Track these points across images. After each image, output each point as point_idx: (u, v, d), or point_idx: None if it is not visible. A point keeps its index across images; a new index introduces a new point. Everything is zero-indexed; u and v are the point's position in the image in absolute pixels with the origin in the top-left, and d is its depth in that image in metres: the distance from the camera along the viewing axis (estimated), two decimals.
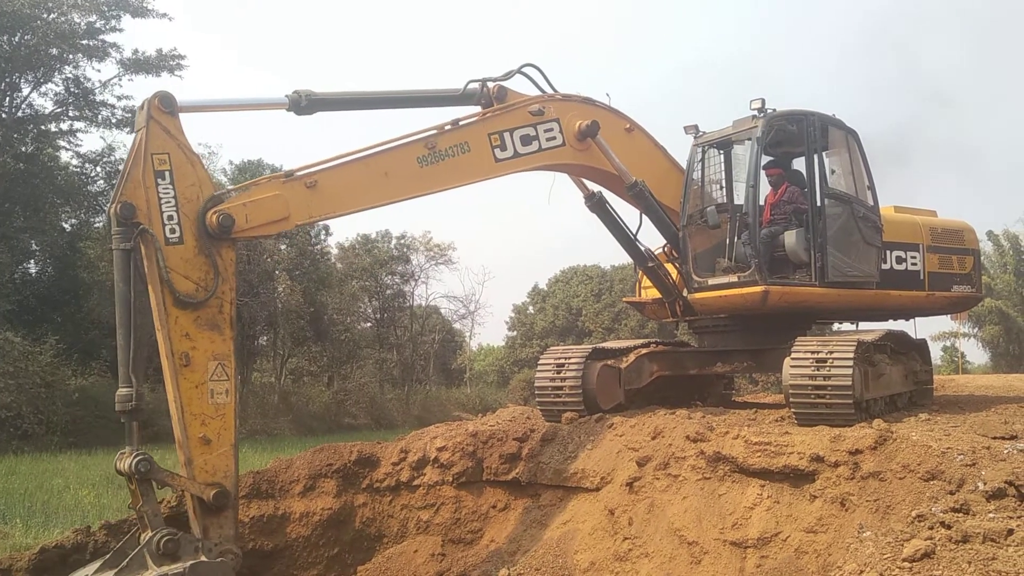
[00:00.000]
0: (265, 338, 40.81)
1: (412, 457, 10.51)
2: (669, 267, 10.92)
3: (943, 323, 46.45)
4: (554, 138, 9.54)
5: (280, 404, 35.50)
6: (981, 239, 47.26)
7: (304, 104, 8.26)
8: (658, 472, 8.66)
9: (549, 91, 9.73)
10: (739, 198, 10.76)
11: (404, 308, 49.90)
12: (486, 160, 9.00)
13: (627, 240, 10.84)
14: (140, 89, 43.67)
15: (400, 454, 10.63)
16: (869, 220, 10.43)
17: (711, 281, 10.39)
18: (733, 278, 10.10)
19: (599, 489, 9.14)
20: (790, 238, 10.14)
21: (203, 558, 6.97)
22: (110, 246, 7.29)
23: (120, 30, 34.37)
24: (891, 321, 11.91)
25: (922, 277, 11.15)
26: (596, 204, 10.62)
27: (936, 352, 47.82)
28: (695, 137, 10.87)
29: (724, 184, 11.13)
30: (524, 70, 9.64)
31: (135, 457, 7.02)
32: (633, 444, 9.24)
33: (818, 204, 10.19)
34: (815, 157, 10.29)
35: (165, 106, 7.19)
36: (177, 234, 7.19)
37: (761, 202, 10.55)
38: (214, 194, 7.44)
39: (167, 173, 7.14)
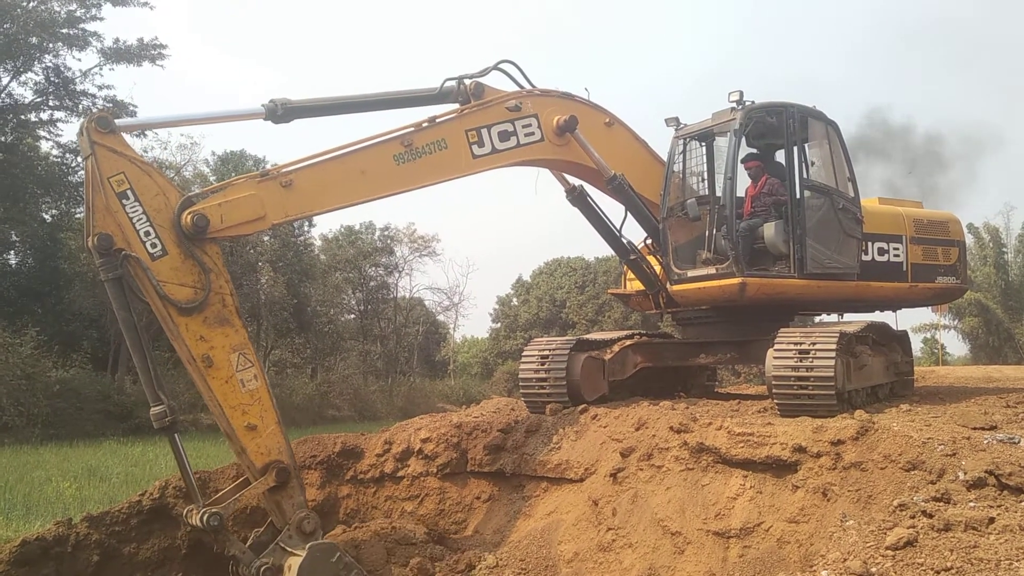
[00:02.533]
0: (248, 330, 40.48)
1: (396, 448, 10.50)
2: (652, 260, 10.95)
3: (924, 315, 46.81)
4: (532, 133, 9.54)
5: None
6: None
7: (280, 113, 8.26)
8: (642, 463, 8.69)
9: (527, 87, 9.71)
10: (719, 190, 10.79)
11: (388, 300, 49.80)
12: (463, 157, 8.99)
13: (609, 233, 10.86)
14: (122, 78, 43.30)
15: (384, 445, 10.62)
16: (849, 212, 10.45)
17: (690, 273, 10.41)
18: (711, 270, 10.12)
19: (583, 480, 9.17)
20: (769, 230, 10.17)
21: (298, 552, 7.48)
22: (100, 279, 7.42)
23: (101, 19, 34.07)
24: (875, 313, 11.97)
25: (905, 268, 11.16)
26: (577, 198, 10.64)
27: (917, 344, 48.21)
28: (676, 129, 10.88)
29: (705, 176, 11.14)
30: (501, 66, 9.59)
31: (204, 515, 7.29)
32: (617, 435, 9.27)
33: (798, 196, 10.21)
34: (794, 149, 10.32)
35: (103, 127, 7.15)
36: (159, 247, 7.26)
37: (742, 194, 10.59)
38: (187, 196, 7.46)
39: (129, 192, 7.15)
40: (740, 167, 10.49)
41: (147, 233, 7.17)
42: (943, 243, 11.64)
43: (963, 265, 11.98)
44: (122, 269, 7.14)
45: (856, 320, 10.46)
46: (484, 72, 9.43)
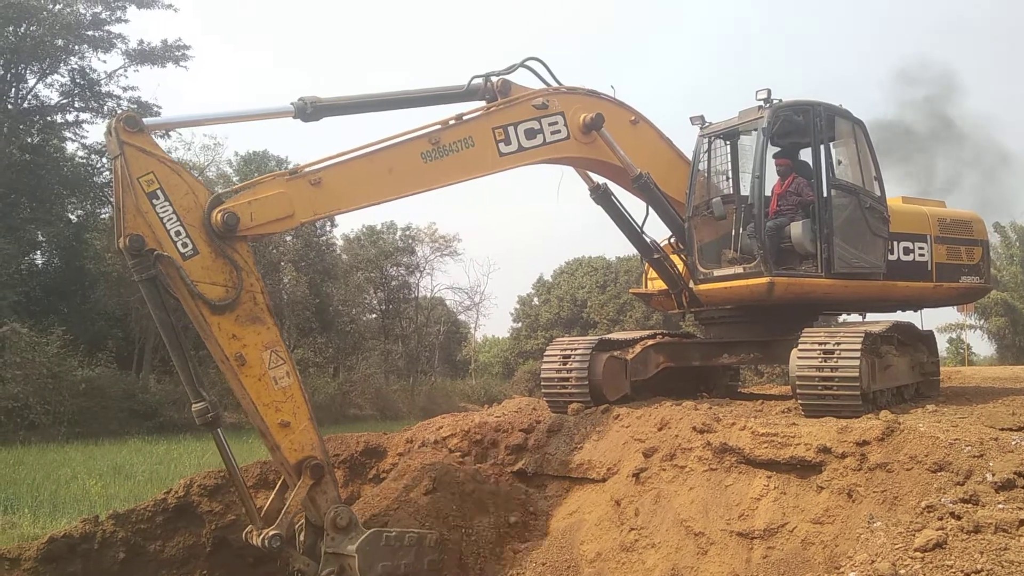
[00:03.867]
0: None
1: (418, 448, 10.52)
2: (675, 259, 10.90)
3: (949, 315, 46.36)
4: (559, 131, 9.50)
5: None
6: (988, 231, 47.35)
7: (310, 111, 8.24)
8: (664, 463, 8.66)
9: (554, 84, 9.69)
10: (745, 189, 10.73)
11: (409, 299, 49.97)
12: (490, 154, 8.97)
13: (632, 232, 10.82)
14: (146, 80, 43.77)
15: (407, 444, 10.65)
16: (876, 211, 10.37)
17: (716, 272, 10.36)
18: (738, 269, 10.06)
19: (605, 480, 9.14)
20: (796, 229, 10.10)
21: (350, 552, 7.56)
22: (132, 278, 7.44)
23: (126, 21, 34.39)
24: (898, 312, 11.86)
25: (929, 268, 11.05)
26: (601, 196, 10.61)
27: (942, 344, 47.71)
28: (701, 128, 10.82)
29: (730, 175, 11.08)
30: (528, 63, 9.57)
31: (265, 539, 7.42)
32: (639, 435, 9.24)
33: (824, 195, 10.13)
34: (821, 148, 10.24)
35: (132, 127, 7.11)
36: (190, 246, 7.23)
37: (768, 193, 10.52)
38: (217, 193, 7.46)
39: (159, 192, 7.11)
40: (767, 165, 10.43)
41: (178, 233, 7.15)
42: (967, 243, 11.53)
43: (986, 265, 11.86)
44: (155, 269, 7.13)
45: (881, 320, 10.37)
46: (511, 69, 9.42)
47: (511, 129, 9.10)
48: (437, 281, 67.63)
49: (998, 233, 47.09)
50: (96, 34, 33.83)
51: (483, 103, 9.23)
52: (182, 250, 7.18)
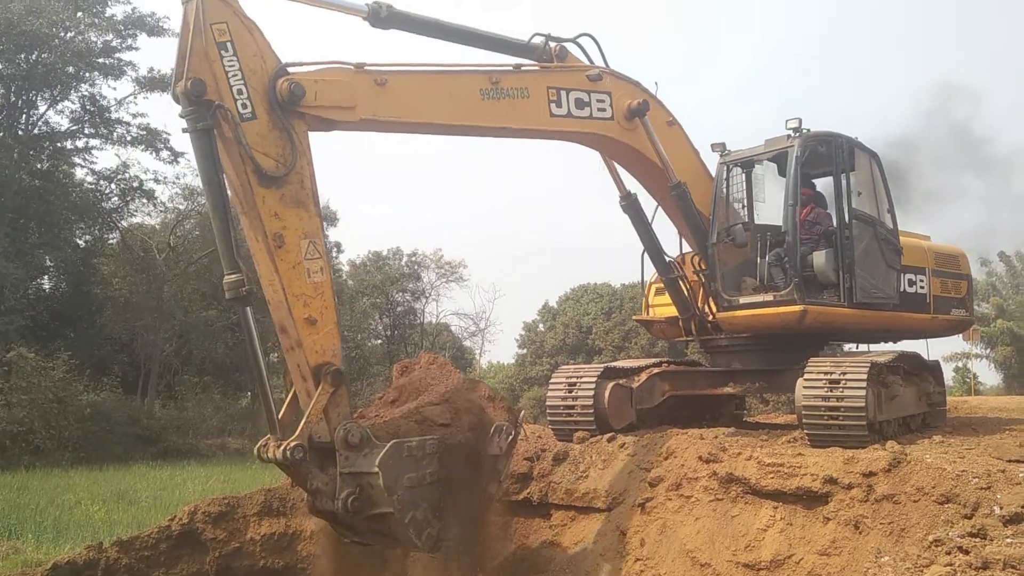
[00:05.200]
0: (276, 355, 40.82)
1: None
2: (690, 281, 10.87)
3: (955, 344, 46.21)
4: (604, 110, 9.43)
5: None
6: (992, 260, 47.27)
7: (384, 15, 7.92)
8: (670, 493, 8.63)
9: (602, 66, 9.61)
10: (761, 217, 10.89)
11: (415, 325, 49.98)
12: (542, 111, 8.86)
13: (654, 247, 10.84)
14: (156, 107, 44.04)
15: None
16: (890, 243, 10.56)
17: (743, 300, 10.34)
18: (768, 296, 10.07)
19: (611, 509, 9.11)
20: (819, 259, 10.15)
21: (370, 469, 6.87)
22: (184, 129, 6.81)
23: (136, 48, 34.74)
24: (897, 342, 11.98)
25: (928, 300, 11.27)
26: (631, 205, 10.66)
27: (948, 373, 47.49)
28: (721, 155, 10.88)
29: (744, 203, 11.17)
30: (580, 40, 9.51)
31: (287, 449, 6.71)
32: (645, 464, 9.22)
33: (847, 225, 10.22)
34: (843, 178, 10.35)
35: None
36: (249, 109, 6.77)
37: (773, 221, 10.59)
38: (284, 63, 7.06)
39: (228, 44, 6.65)
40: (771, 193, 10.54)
41: (239, 92, 6.73)
42: (955, 276, 11.84)
43: (971, 298, 12.20)
44: (212, 121, 6.63)
45: (887, 350, 10.38)
46: (570, 39, 9.38)
47: (563, 93, 9.02)
48: (443, 307, 67.75)
49: (1003, 263, 47.10)
50: (107, 61, 34.16)
51: (536, 63, 9.13)
52: (241, 111, 6.72)
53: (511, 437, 7.66)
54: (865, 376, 8.61)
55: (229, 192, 6.90)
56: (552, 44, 9.24)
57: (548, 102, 8.89)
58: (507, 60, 8.96)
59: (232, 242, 6.76)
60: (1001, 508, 6.40)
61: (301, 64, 7.23)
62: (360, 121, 7.58)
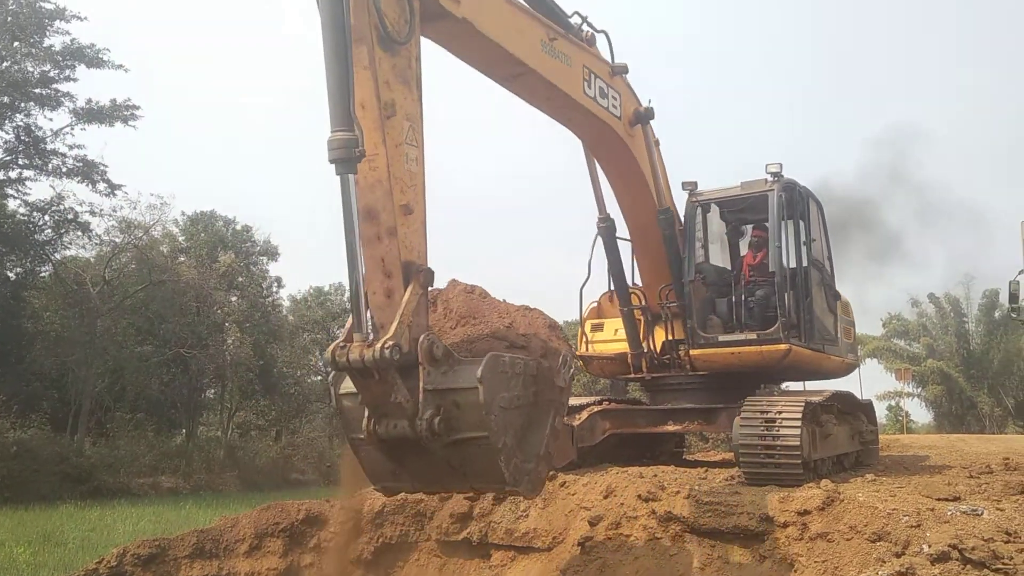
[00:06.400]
0: (212, 391, 40.12)
1: (360, 516, 10.33)
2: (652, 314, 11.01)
3: (888, 383, 47.44)
4: (615, 108, 9.51)
5: (226, 459, 34.76)
6: (923, 301, 48.67)
7: None
8: (610, 532, 8.63)
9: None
10: (714, 258, 11.47)
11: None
12: (578, 85, 8.84)
13: (621, 277, 10.96)
14: (93, 138, 43.22)
15: (349, 513, 10.45)
16: (831, 287, 11.12)
17: (722, 337, 10.49)
18: (752, 335, 10.24)
19: (551, 549, 9.07)
20: (789, 300, 10.43)
21: (460, 385, 6.02)
22: None
23: (74, 80, 34.15)
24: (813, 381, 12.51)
25: (839, 343, 11.81)
26: (607, 229, 10.84)
27: (881, 412, 48.59)
28: (692, 193, 11.07)
29: (704, 242, 11.46)
30: (601, 32, 9.43)
31: (384, 348, 5.75)
32: (585, 503, 9.21)
33: (806, 269, 10.66)
34: (802, 224, 10.75)
35: None
36: None
37: (722, 264, 10.91)
38: None
39: None
40: (718, 237, 10.84)
41: None
42: (848, 323, 12.54)
43: (855, 344, 13.07)
44: None
45: (821, 389, 10.62)
46: (599, 30, 9.35)
47: (593, 76, 9.06)
48: None
49: (933, 304, 48.54)
50: (43, 92, 33.50)
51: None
52: None
53: (572, 370, 7.02)
54: (800, 415, 8.78)
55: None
56: (586, 28, 9.18)
57: (582, 79, 8.91)
58: None
59: (350, 93, 5.90)
60: (929, 546, 6.55)
61: None
62: (460, 20, 7.05)
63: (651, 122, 10.27)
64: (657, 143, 10.44)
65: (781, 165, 10.46)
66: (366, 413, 6.11)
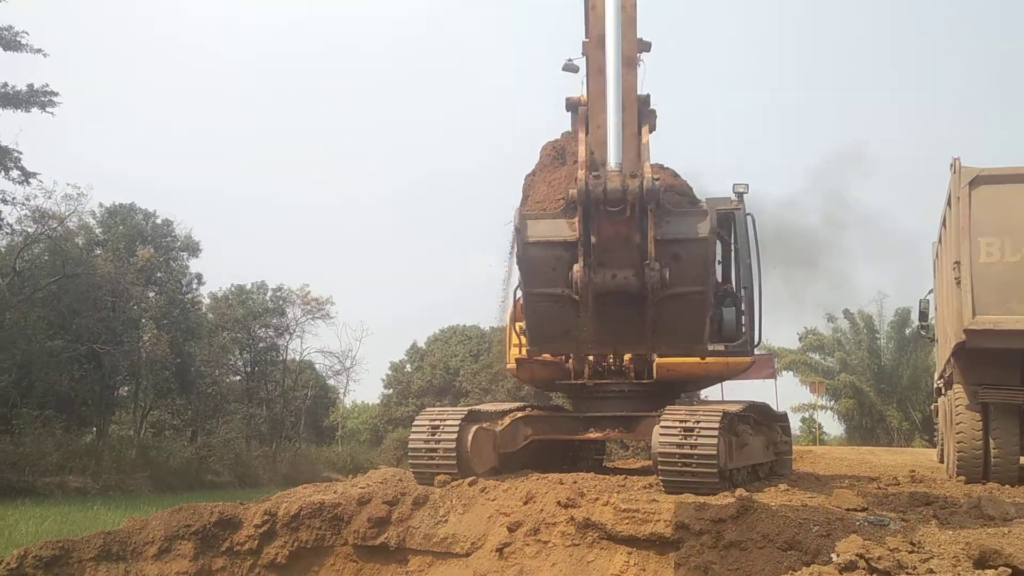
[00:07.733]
0: (126, 388, 38.94)
1: (275, 519, 10.13)
2: None
3: (803, 395, 48.78)
4: None
5: (138, 459, 33.72)
6: (838, 316, 50.15)
7: None
8: (528, 538, 8.63)
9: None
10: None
11: (277, 362, 48.54)
12: None
13: None
14: (6, 124, 41.53)
15: (264, 516, 10.23)
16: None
17: None
18: (720, 347, 10.48)
19: (469, 555, 9.03)
20: (729, 314, 10.58)
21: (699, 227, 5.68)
22: None
23: None
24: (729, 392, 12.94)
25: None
26: None
27: (795, 423, 49.87)
28: None
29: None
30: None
31: (647, 180, 5.29)
32: (505, 509, 9.20)
33: (754, 281, 11.11)
34: (748, 239, 11.20)
35: None
36: None
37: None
38: None
39: None
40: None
41: None
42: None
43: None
44: None
45: (738, 400, 10.84)
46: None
47: None
48: (307, 344, 65.98)
49: (847, 319, 50.03)
50: None
51: None
52: None
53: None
54: (717, 425, 8.93)
55: None
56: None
57: None
58: None
59: None
60: (838, 555, 6.71)
61: None
62: None
63: None
64: None
65: (747, 186, 10.89)
66: (578, 261, 5.54)
